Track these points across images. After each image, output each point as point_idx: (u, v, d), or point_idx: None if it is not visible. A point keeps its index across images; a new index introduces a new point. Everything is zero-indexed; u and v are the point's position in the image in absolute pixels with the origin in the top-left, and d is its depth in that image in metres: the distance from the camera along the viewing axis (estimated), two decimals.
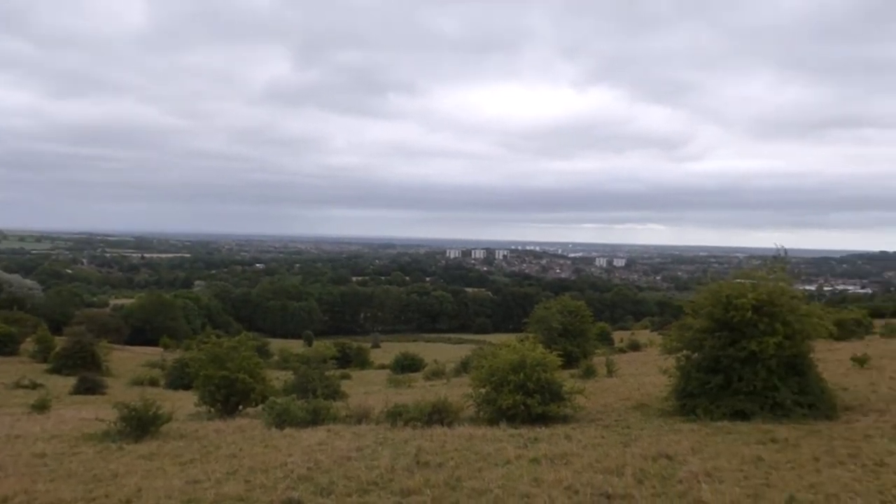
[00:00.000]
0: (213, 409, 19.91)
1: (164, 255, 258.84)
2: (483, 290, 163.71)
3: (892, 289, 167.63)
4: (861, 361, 21.36)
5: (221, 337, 24.33)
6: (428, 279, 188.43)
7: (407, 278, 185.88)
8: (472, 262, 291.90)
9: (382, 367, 53.72)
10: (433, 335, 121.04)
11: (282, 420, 15.55)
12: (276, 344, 68.50)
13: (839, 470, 9.18)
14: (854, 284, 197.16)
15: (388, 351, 69.37)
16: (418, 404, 15.28)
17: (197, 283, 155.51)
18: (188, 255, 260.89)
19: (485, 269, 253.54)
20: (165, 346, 63.37)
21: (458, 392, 18.86)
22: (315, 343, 72.57)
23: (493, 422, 14.54)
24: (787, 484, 8.54)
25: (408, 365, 47.46)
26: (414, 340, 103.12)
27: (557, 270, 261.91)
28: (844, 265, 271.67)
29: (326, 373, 28.46)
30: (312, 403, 16.71)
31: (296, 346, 71.90)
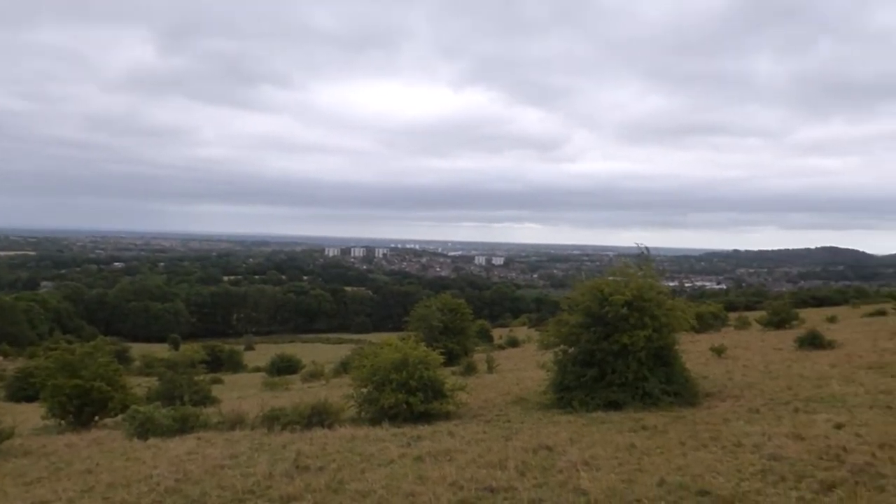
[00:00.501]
0: (63, 422, 18.35)
1: (2, 254, 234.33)
2: (363, 288, 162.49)
3: (743, 284, 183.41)
4: (718, 351, 23.08)
5: (73, 342, 22.50)
6: (305, 278, 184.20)
7: (283, 277, 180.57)
8: (352, 260, 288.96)
9: (257, 369, 51.88)
10: (311, 335, 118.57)
11: (145, 430, 14.52)
12: (137, 349, 64.51)
13: (703, 452, 9.69)
14: (711, 281, 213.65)
15: (263, 353, 67.20)
16: (296, 407, 14.77)
17: (44, 283, 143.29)
18: (33, 253, 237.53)
19: (364, 267, 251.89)
20: (5, 355, 57.90)
21: (338, 393, 18.46)
22: (182, 347, 68.94)
23: (375, 422, 14.31)
24: (658, 468, 8.91)
25: (284, 367, 46.08)
26: (291, 341, 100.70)
27: (437, 269, 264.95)
28: (702, 263, 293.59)
29: (195, 378, 27.10)
30: (180, 411, 15.73)
31: (160, 350, 68.02)
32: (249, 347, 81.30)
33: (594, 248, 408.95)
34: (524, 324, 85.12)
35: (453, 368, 25.77)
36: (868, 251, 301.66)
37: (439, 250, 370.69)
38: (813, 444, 9.45)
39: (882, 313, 40.72)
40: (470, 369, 26.73)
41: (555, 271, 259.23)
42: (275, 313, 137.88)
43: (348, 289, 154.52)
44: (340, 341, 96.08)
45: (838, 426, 10.65)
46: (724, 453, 9.53)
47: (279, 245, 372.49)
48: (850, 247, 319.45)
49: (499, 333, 63.66)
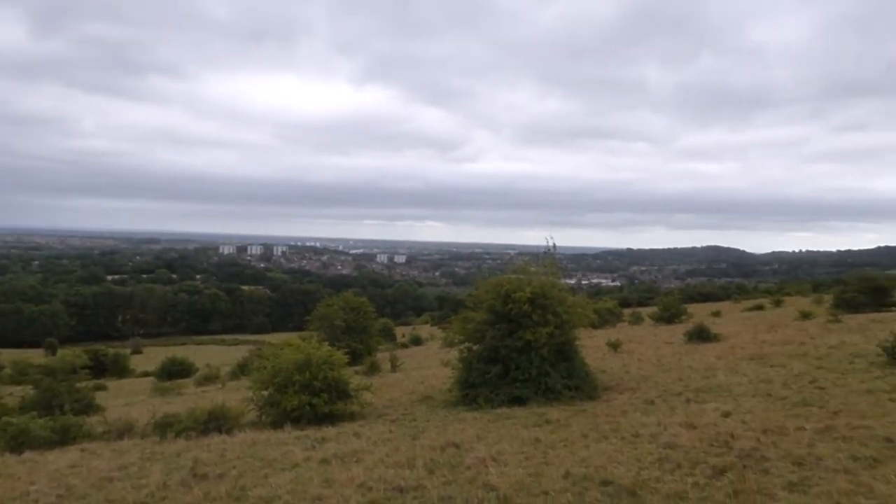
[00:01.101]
0: None
1: None
2: (260, 287, 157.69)
3: (636, 282, 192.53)
4: (615, 346, 24.05)
5: None
6: (199, 277, 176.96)
7: (174, 276, 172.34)
8: (249, 258, 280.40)
9: (146, 374, 49.37)
10: (205, 337, 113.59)
11: (19, 443, 13.44)
12: (8, 355, 59.76)
13: (604, 444, 10.01)
14: (606, 278, 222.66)
15: (153, 356, 63.90)
16: (192, 412, 14.10)
17: None
18: None
19: (262, 265, 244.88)
20: None
21: (236, 396, 17.79)
22: (60, 352, 64.20)
23: (277, 425, 13.86)
24: (563, 460, 9.11)
25: (176, 371, 43.88)
26: (183, 344, 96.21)
27: (339, 267, 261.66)
28: (598, 261, 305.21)
29: (76, 384, 25.41)
30: (60, 421, 14.68)
31: (35, 356, 63.09)
32: (137, 351, 77.03)
33: (496, 246, 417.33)
34: (427, 322, 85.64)
35: (357, 368, 25.49)
36: (748, 250, 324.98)
37: (340, 248, 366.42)
38: (704, 432, 9.95)
39: (760, 308, 43.95)
40: (374, 369, 26.55)
41: (457, 269, 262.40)
42: (165, 314, 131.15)
43: (245, 288, 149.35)
44: (237, 342, 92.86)
45: (726, 414, 11.30)
46: (623, 444, 9.87)
47: (170, 242, 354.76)
48: (732, 246, 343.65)
49: (402, 332, 63.70)
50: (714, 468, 8.05)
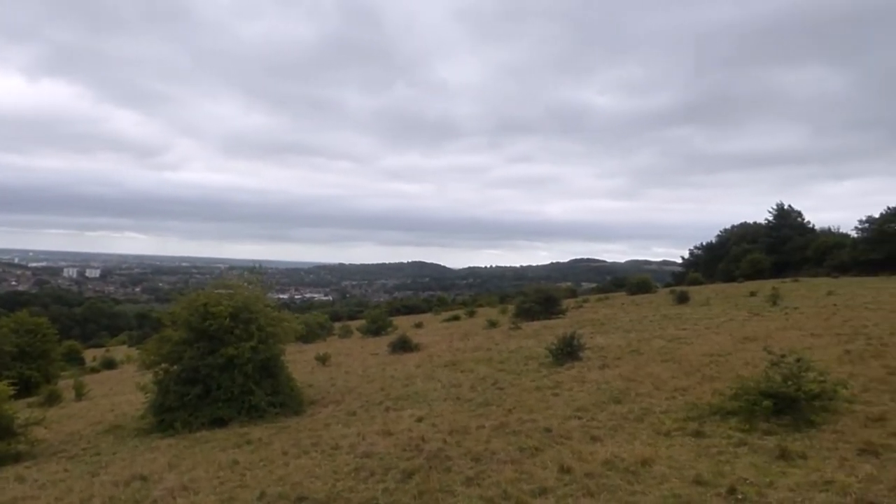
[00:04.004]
0: None
1: None
2: None
3: (347, 296, 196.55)
4: (323, 359, 24.30)
5: None
6: None
7: None
8: None
9: None
10: None
11: None
12: None
13: (304, 459, 10.06)
14: (319, 292, 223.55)
15: None
16: None
17: None
18: None
19: None
20: None
21: None
22: None
23: None
24: (260, 481, 8.96)
25: None
26: None
27: (14, 282, 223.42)
28: (311, 275, 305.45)
29: None
30: None
31: None
32: None
33: (205, 260, 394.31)
34: (124, 342, 77.58)
35: (31, 399, 22.13)
36: (448, 265, 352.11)
37: (16, 261, 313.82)
38: (399, 438, 10.56)
39: (457, 318, 47.93)
40: (53, 398, 23.27)
41: (161, 284, 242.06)
42: None
43: None
44: None
45: (419, 419, 12.16)
46: (323, 457, 10.03)
47: None
48: (435, 261, 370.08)
49: (93, 354, 56.72)
50: (404, 472, 8.58)
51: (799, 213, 71.65)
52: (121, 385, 27.28)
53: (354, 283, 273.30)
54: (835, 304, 25.55)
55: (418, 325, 42.72)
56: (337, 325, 49.03)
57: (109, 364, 44.89)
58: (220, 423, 13.73)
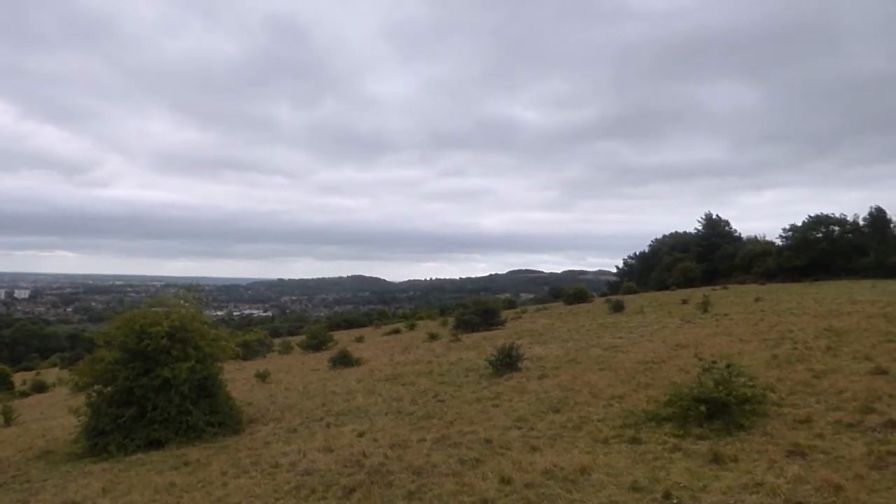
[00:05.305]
0: None
1: None
2: None
3: (287, 311, 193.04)
4: (263, 377, 23.92)
5: None
6: None
7: None
8: None
9: None
10: None
11: None
12: None
13: (243, 479, 9.93)
14: (258, 308, 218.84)
15: None
16: None
17: None
18: None
19: None
20: None
21: None
22: None
23: None
24: (198, 503, 8.82)
25: None
26: None
27: None
28: (250, 291, 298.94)
29: None
30: None
31: None
32: None
33: (140, 278, 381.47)
34: (55, 365, 74.28)
35: None
36: (388, 278, 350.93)
37: None
38: (340, 454, 10.54)
39: (397, 331, 47.89)
40: None
41: (94, 304, 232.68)
42: None
43: None
44: None
45: (361, 434, 12.16)
46: (262, 476, 9.93)
47: None
48: (374, 275, 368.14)
49: (22, 378, 54.12)
50: (345, 488, 8.59)
51: (727, 223, 74.61)
52: (53, 409, 26.22)
53: (294, 298, 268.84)
54: (762, 311, 26.65)
55: (359, 340, 42.53)
56: (277, 341, 48.26)
57: (40, 387, 43.04)
58: (156, 444, 13.40)
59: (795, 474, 7.35)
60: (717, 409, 9.86)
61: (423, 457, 9.74)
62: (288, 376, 25.27)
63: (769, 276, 55.60)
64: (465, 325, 35.89)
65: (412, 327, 49.44)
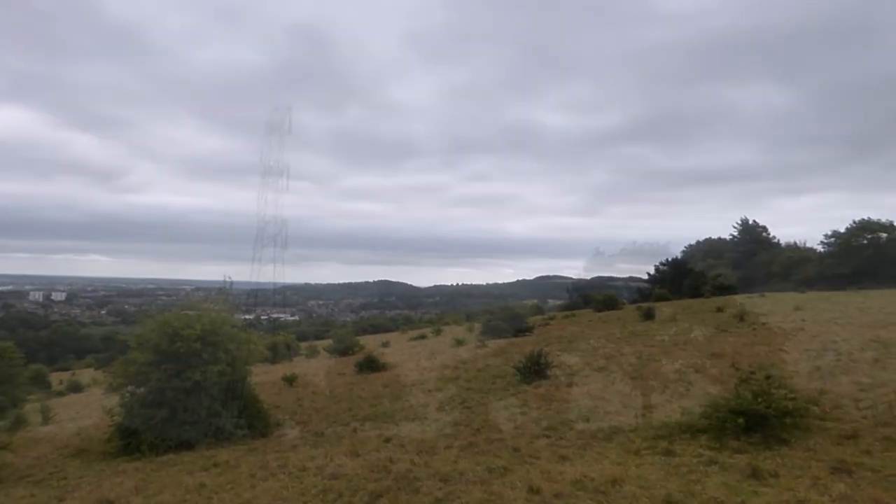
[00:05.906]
0: None
1: None
2: None
3: (314, 315, 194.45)
4: (290, 380, 24.05)
5: None
6: None
7: None
8: None
9: None
10: None
11: None
12: None
13: (271, 482, 9.94)
14: (286, 312, 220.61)
15: None
16: None
17: None
18: None
19: None
20: None
21: None
22: None
23: None
24: None
25: None
26: None
27: None
28: (278, 296, 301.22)
29: None
30: None
31: None
32: None
33: (170, 281, 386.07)
34: (90, 365, 75.82)
35: None
36: (414, 283, 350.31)
37: None
38: (367, 459, 10.50)
39: (424, 337, 47.76)
40: (19, 423, 22.74)
41: (126, 307, 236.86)
42: None
43: None
44: None
45: (387, 439, 12.12)
46: (290, 479, 9.92)
47: None
48: (400, 280, 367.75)
49: (59, 378, 55.33)
50: (372, 493, 8.52)
51: (764, 228, 73.23)
52: (88, 409, 26.71)
53: (321, 302, 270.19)
54: (803, 320, 25.93)
55: (385, 345, 42.44)
56: (303, 345, 48.52)
57: (76, 387, 43.94)
58: (186, 445, 13.52)
59: (841, 493, 7.06)
60: (756, 422, 9.55)
61: (450, 464, 9.64)
62: (315, 380, 25.35)
63: (809, 284, 54.08)
64: (492, 332, 35.67)
65: (438, 333, 49.23)
